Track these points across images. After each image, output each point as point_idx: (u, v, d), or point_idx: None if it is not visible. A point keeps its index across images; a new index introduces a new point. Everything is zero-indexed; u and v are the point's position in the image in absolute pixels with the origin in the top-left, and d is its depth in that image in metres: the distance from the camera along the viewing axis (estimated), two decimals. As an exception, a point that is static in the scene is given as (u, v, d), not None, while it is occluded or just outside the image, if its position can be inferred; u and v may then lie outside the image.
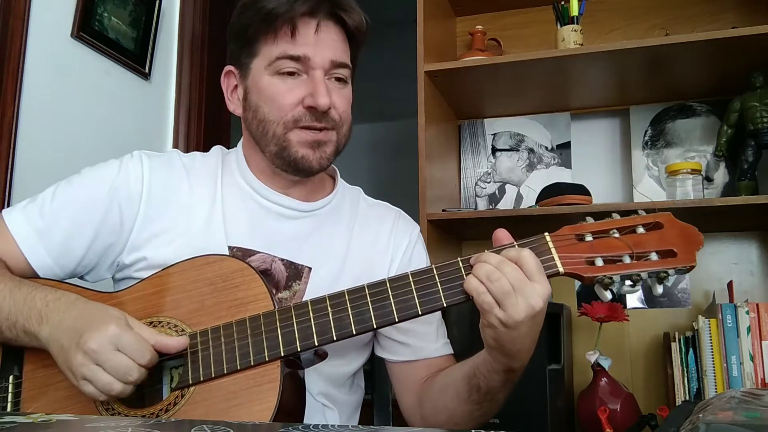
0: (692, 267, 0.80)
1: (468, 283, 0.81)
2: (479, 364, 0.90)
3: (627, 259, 0.80)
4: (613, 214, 0.84)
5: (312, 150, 0.98)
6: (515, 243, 0.84)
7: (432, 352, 1.05)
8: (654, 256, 0.80)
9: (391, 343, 1.06)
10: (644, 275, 0.80)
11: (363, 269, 1.06)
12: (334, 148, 1.01)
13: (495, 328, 0.80)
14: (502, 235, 0.85)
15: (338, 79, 1.00)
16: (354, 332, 0.85)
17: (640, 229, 0.82)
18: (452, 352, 1.09)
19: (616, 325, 1.69)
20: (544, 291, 0.79)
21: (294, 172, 1.02)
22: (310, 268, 1.03)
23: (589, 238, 0.82)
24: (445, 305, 0.83)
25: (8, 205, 1.46)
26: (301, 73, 0.98)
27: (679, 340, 1.58)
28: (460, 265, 0.84)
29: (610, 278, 0.80)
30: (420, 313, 0.84)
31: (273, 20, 0.95)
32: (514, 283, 0.78)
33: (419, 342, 1.05)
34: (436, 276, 0.84)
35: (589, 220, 0.84)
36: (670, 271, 0.80)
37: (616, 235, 0.81)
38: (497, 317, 0.79)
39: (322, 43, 0.97)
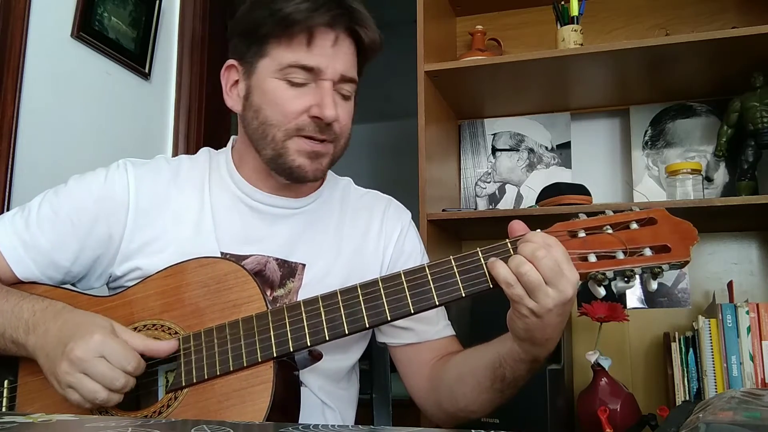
0: (686, 262, 0.80)
1: (497, 273, 0.80)
2: (505, 355, 0.89)
3: (620, 255, 0.80)
4: (606, 211, 0.84)
5: (309, 160, 0.98)
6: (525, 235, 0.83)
7: (434, 334, 1.06)
8: (648, 252, 0.80)
9: (392, 329, 1.06)
10: (638, 270, 0.80)
11: (356, 260, 1.06)
12: (330, 161, 1.02)
13: (525, 318, 0.80)
14: (518, 226, 0.85)
15: (343, 93, 1.00)
16: (347, 332, 0.85)
17: (634, 225, 0.81)
18: (454, 333, 1.09)
19: (616, 325, 1.68)
20: (573, 278, 0.79)
21: (287, 179, 1.01)
22: (304, 265, 1.03)
23: (581, 234, 0.82)
24: (437, 304, 0.83)
25: (8, 205, 1.46)
26: (309, 82, 0.97)
27: (679, 340, 1.58)
28: (453, 263, 0.84)
29: (603, 274, 0.80)
30: (412, 312, 0.84)
31: (290, 25, 0.93)
32: (545, 275, 0.78)
33: (421, 326, 1.05)
34: (429, 275, 0.84)
35: (582, 216, 0.84)
36: (664, 266, 0.79)
37: (609, 231, 0.81)
38: (528, 307, 0.79)
39: (336, 56, 0.96)
